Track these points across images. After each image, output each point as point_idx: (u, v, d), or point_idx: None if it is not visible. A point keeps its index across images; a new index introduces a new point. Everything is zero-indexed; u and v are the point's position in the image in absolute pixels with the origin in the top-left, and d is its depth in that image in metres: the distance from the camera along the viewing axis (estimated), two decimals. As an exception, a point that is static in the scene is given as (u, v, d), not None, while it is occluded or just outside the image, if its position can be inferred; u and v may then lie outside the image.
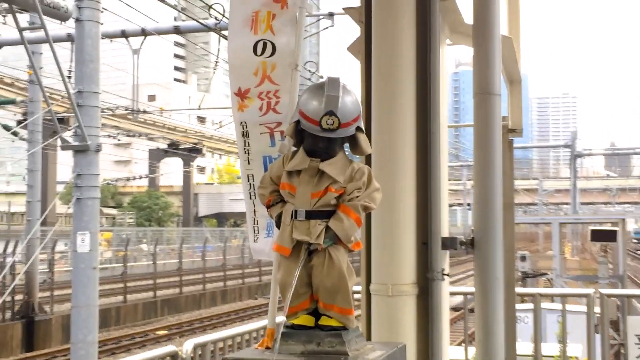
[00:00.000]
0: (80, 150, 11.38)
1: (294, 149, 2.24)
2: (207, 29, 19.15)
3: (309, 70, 18.39)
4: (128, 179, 45.50)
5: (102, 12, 12.17)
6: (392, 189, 2.76)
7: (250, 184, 2.81)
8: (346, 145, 2.22)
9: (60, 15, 11.88)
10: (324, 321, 2.11)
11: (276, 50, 2.64)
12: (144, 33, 19.77)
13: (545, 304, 7.04)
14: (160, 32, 20.03)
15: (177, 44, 71.87)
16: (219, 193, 60.86)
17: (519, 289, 6.29)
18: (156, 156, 51.09)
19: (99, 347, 12.68)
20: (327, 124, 2.13)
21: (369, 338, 2.78)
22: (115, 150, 54.62)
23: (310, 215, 2.14)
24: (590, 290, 6.16)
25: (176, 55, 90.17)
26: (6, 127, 22.23)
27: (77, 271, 11.28)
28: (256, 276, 32.39)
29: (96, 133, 11.63)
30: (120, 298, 23.78)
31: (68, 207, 11.93)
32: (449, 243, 2.86)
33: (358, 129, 2.20)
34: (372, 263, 2.81)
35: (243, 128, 2.72)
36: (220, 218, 60.90)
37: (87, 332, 11.01)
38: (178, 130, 47.39)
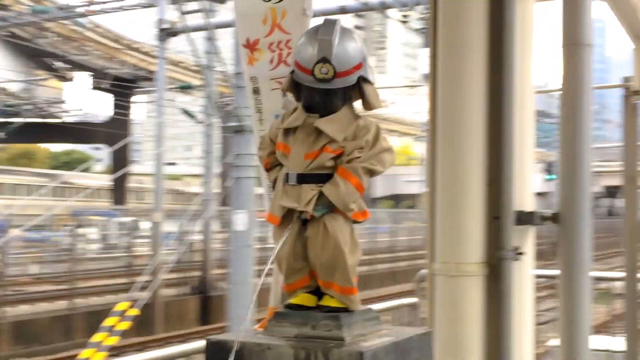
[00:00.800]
0: (238, 131, 11.72)
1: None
2: (370, 9, 19.04)
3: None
4: None
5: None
6: (457, 157, 2.46)
7: None
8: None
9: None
10: (324, 301, 1.86)
11: None
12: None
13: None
14: (326, 13, 20.18)
15: (356, 27, 72.74)
16: (394, 175, 60.87)
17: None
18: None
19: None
20: (321, 73, 1.85)
21: (432, 323, 2.51)
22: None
23: (303, 179, 1.88)
24: None
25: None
26: (188, 113, 23.53)
27: (235, 249, 11.66)
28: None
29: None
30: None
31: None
32: (526, 217, 2.51)
33: (363, 79, 1.92)
34: (437, 240, 2.52)
35: (254, 84, 2.50)
36: (396, 199, 60.86)
37: (243, 310, 11.35)
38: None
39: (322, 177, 1.88)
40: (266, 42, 2.43)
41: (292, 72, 1.93)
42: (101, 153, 46.89)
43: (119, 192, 36.70)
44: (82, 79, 34.66)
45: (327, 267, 1.85)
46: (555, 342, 5.36)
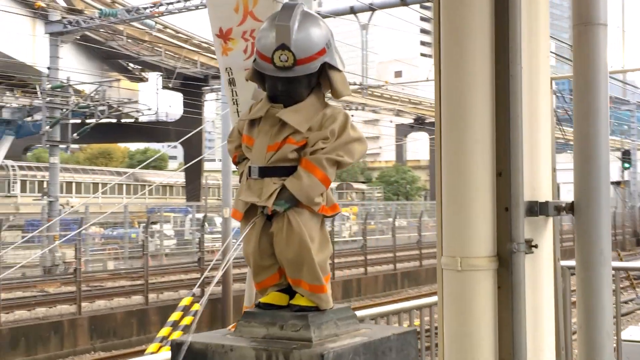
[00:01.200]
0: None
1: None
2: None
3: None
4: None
5: (314, -11, 12.42)
6: (462, 145, 2.34)
7: None
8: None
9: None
10: (295, 300, 1.78)
11: None
12: (371, 8, 19.89)
13: None
14: (387, 6, 19.97)
15: (422, 19, 71.66)
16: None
17: None
18: (403, 131, 51.56)
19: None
20: (281, 61, 1.77)
21: (441, 320, 2.41)
22: (364, 127, 56.09)
23: (265, 172, 1.80)
24: None
25: (422, 30, 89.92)
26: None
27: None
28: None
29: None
30: (361, 270, 24.39)
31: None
32: (540, 208, 2.37)
33: (329, 66, 1.83)
34: (443, 232, 2.41)
35: (229, 75, 2.42)
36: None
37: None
38: (423, 105, 47.27)
39: (285, 170, 1.80)
40: (239, 30, 2.36)
41: (255, 60, 1.86)
42: (176, 151, 47.93)
43: (193, 188, 37.40)
44: (154, 79, 35.44)
45: (294, 264, 1.77)
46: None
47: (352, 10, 20.20)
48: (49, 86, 24.32)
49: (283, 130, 1.81)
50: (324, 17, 19.17)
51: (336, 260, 23.24)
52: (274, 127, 1.82)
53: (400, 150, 58.52)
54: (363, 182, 58.78)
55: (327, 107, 1.84)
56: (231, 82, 2.46)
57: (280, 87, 1.82)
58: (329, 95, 1.89)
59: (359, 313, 4.59)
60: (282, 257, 1.79)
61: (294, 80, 1.80)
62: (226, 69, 2.46)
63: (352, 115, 38.95)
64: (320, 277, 1.77)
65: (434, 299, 4.78)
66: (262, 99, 1.87)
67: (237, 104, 2.47)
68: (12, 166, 36.19)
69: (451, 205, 2.38)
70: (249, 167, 1.84)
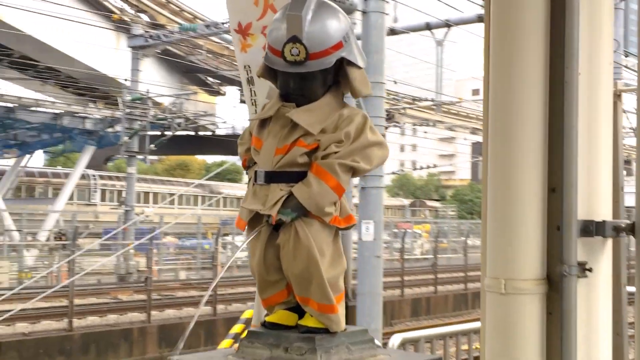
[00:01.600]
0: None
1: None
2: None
3: None
4: (414, 169, 45.47)
5: (387, 2, 12.28)
6: (510, 157, 2.15)
7: None
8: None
9: (345, 8, 12.18)
10: (304, 320, 1.62)
11: None
12: (447, 25, 19.60)
13: None
14: (464, 22, 19.62)
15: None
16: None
17: None
18: (478, 149, 50.68)
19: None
20: (292, 55, 1.61)
21: (483, 346, 2.22)
22: (440, 144, 55.43)
23: (272, 177, 1.64)
24: None
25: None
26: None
27: (361, 259, 11.52)
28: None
29: (381, 123, 11.76)
30: (431, 289, 23.95)
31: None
32: (596, 228, 2.15)
33: (347, 62, 1.67)
34: (488, 251, 2.22)
35: (247, 73, 2.26)
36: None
37: (370, 320, 11.16)
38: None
39: (294, 176, 1.64)
40: (259, 25, 2.20)
41: (266, 55, 1.70)
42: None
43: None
44: (232, 93, 36.01)
45: (301, 280, 1.61)
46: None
47: (428, 27, 19.94)
48: (129, 98, 24.98)
49: (294, 131, 1.66)
50: (400, 33, 19.00)
51: (406, 278, 22.89)
52: (284, 129, 1.67)
53: (475, 168, 57.50)
54: (437, 200, 57.95)
55: (345, 108, 1.68)
56: (250, 81, 2.31)
57: (292, 84, 1.66)
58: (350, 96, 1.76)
59: (399, 336, 4.39)
60: (288, 272, 1.64)
61: (307, 76, 1.65)
62: (245, 66, 2.32)
63: (426, 132, 38.54)
64: (330, 296, 1.61)
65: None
66: (274, 98, 1.74)
67: (255, 104, 2.33)
68: (93, 175, 37.33)
69: (496, 223, 2.19)
70: (255, 171, 1.70)
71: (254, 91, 2.27)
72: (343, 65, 1.68)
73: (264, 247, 1.66)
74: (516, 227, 2.14)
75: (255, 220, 1.68)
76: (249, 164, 1.80)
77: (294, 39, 1.61)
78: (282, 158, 1.65)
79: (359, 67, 1.70)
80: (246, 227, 1.70)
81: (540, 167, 2.15)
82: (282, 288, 1.69)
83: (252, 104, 2.30)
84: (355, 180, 15.75)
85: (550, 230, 2.15)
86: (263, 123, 1.72)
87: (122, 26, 26.79)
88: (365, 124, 1.68)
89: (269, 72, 1.72)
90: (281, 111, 1.68)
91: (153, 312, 17.14)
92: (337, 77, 1.71)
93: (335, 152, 1.62)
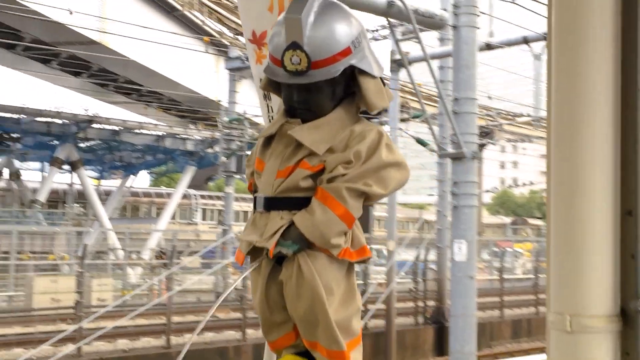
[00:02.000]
0: (457, 158, 11.26)
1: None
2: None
3: None
4: (510, 186, 43.90)
5: (478, 16, 11.94)
6: (578, 175, 1.91)
7: None
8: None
9: (435, 23, 11.92)
10: None
11: None
12: (544, 38, 18.97)
13: None
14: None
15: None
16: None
17: None
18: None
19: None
20: (292, 64, 1.41)
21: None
22: (540, 160, 53.66)
23: (271, 204, 1.45)
24: None
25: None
26: (421, 142, 23.40)
27: (454, 280, 11.17)
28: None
29: (472, 140, 11.40)
30: (532, 310, 23.06)
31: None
32: (677, 256, 1.87)
33: (360, 71, 1.43)
34: (551, 282, 1.98)
35: None
36: None
37: (464, 343, 10.80)
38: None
39: (297, 202, 1.45)
40: None
41: (267, 65, 1.51)
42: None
43: (362, 220, 37.46)
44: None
45: (306, 322, 1.42)
46: None
47: (525, 40, 19.36)
48: (226, 119, 25.51)
49: (298, 152, 1.47)
50: (495, 48, 18.54)
51: (506, 298, 22.14)
52: (287, 148, 1.49)
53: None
54: (539, 218, 55.99)
55: (358, 123, 1.46)
56: (266, 97, 2.13)
57: (296, 97, 1.47)
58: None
59: None
60: (292, 313, 1.45)
61: (312, 88, 1.44)
62: (260, 79, 2.15)
63: (524, 149, 37.33)
64: (340, 341, 1.40)
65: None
66: (279, 113, 1.56)
67: (272, 120, 2.16)
68: (194, 195, 38.30)
69: (561, 251, 1.95)
70: (255, 197, 1.53)
71: (271, 107, 2.07)
72: (354, 74, 1.47)
73: (265, 284, 1.47)
74: (584, 255, 1.89)
75: (256, 253, 1.50)
76: (254, 189, 1.62)
77: (294, 46, 1.42)
78: (282, 182, 1.47)
79: (374, 77, 1.47)
80: (248, 261, 1.53)
81: (612, 188, 1.90)
82: (289, 330, 1.51)
83: (269, 120, 2.13)
84: (448, 197, 15.33)
85: (624, 259, 1.89)
86: (267, 142, 1.55)
87: (218, 48, 27.39)
88: (380, 141, 1.45)
89: (273, 84, 1.54)
90: (285, 128, 1.49)
91: (248, 331, 17.25)
92: (351, 89, 1.51)
93: (343, 175, 1.43)
